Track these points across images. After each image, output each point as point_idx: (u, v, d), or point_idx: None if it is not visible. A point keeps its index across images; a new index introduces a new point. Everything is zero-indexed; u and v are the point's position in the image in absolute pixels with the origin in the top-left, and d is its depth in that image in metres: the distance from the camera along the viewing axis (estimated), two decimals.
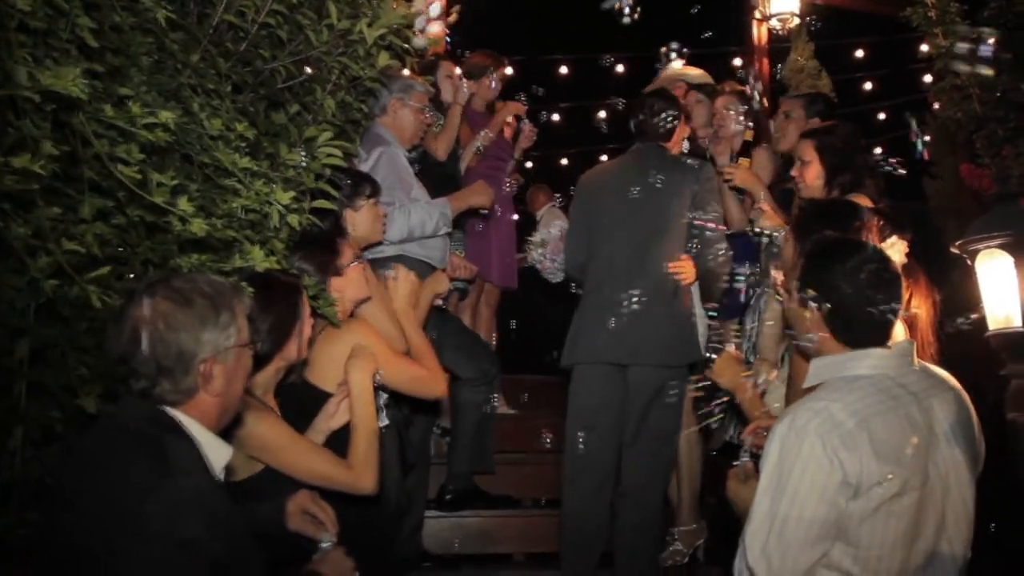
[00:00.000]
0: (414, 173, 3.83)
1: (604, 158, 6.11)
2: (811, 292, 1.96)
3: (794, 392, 2.38)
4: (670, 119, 3.81)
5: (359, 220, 3.13)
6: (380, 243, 3.34)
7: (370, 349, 2.57)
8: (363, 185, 3.14)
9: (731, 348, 2.65)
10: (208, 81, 2.52)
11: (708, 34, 4.63)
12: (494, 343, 4.93)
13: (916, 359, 1.98)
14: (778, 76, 6.32)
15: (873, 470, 1.76)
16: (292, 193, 2.41)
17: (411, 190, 3.61)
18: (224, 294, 1.74)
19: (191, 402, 1.68)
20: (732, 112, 4.23)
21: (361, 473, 2.37)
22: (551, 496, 4.04)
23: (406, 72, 3.85)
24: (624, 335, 3.54)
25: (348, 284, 2.82)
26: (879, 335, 1.95)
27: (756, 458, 2.17)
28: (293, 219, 2.42)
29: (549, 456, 4.20)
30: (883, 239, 2.48)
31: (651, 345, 3.53)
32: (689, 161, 3.79)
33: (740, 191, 4.01)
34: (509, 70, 5.34)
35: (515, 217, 5.24)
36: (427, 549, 3.95)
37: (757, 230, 3.53)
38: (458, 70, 4.60)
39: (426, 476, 3.87)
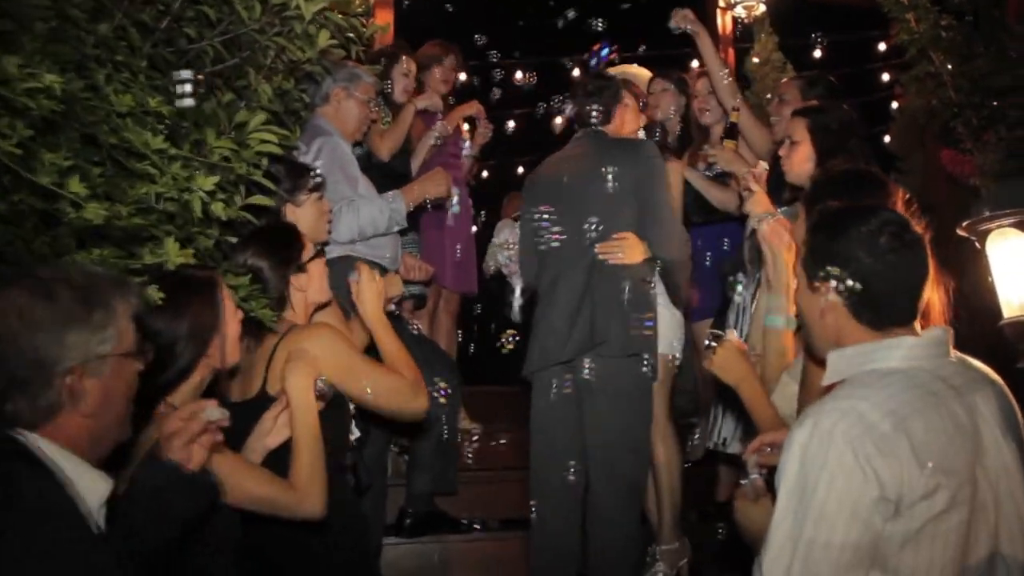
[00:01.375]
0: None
1: None
2: (825, 269, 1.67)
3: (809, 392, 2.08)
4: (606, 98, 3.54)
5: (301, 216, 2.80)
6: (326, 243, 3.02)
7: (317, 354, 2.22)
8: (305, 177, 2.82)
9: (733, 335, 2.33)
10: (118, 53, 2.18)
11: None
12: (454, 353, 4.61)
13: (952, 349, 1.70)
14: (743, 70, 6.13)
15: (916, 482, 1.47)
16: (216, 178, 2.07)
17: (357, 184, 3.29)
18: (100, 287, 1.40)
19: (53, 423, 1.33)
20: (735, 111, 4.01)
21: (306, 494, 2.04)
22: (520, 516, 3.69)
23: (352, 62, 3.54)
24: (572, 330, 3.28)
25: (311, 281, 2.50)
26: (907, 312, 1.67)
27: (766, 475, 1.89)
28: (217, 207, 2.09)
29: (517, 473, 3.87)
30: None
31: (599, 336, 3.26)
32: (629, 140, 3.54)
33: (728, 175, 3.77)
34: (463, 76, 5.04)
35: (474, 226, 4.92)
36: None
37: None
38: (414, 68, 4.30)
39: (383, 499, 3.52)
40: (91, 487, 1.34)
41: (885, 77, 7.90)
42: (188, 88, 2.21)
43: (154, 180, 2.00)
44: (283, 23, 2.83)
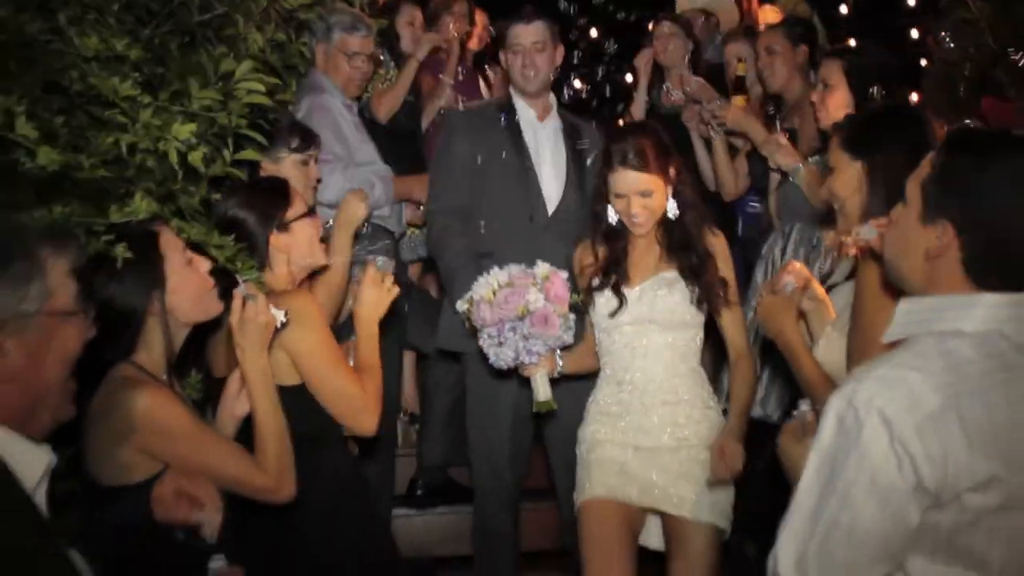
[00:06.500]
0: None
1: None
2: (955, 205, 1.36)
3: (862, 345, 1.85)
4: None
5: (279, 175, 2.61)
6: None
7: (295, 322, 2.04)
8: (290, 135, 2.62)
9: (790, 277, 2.09)
10: None
11: None
12: None
13: None
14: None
15: (962, 470, 1.24)
16: (193, 126, 1.91)
17: (347, 144, 3.07)
18: (19, 238, 1.24)
19: None
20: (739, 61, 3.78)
21: (280, 478, 1.86)
22: (541, 486, 3.45)
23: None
24: None
25: (294, 244, 2.27)
26: None
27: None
28: (196, 157, 1.93)
29: (540, 442, 3.66)
30: None
31: None
32: None
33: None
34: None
35: None
36: None
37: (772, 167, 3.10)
38: (419, 16, 4.08)
39: (391, 469, 3.34)
40: (28, 461, 1.20)
41: (915, 34, 7.59)
42: None
43: (125, 129, 1.85)
44: None
